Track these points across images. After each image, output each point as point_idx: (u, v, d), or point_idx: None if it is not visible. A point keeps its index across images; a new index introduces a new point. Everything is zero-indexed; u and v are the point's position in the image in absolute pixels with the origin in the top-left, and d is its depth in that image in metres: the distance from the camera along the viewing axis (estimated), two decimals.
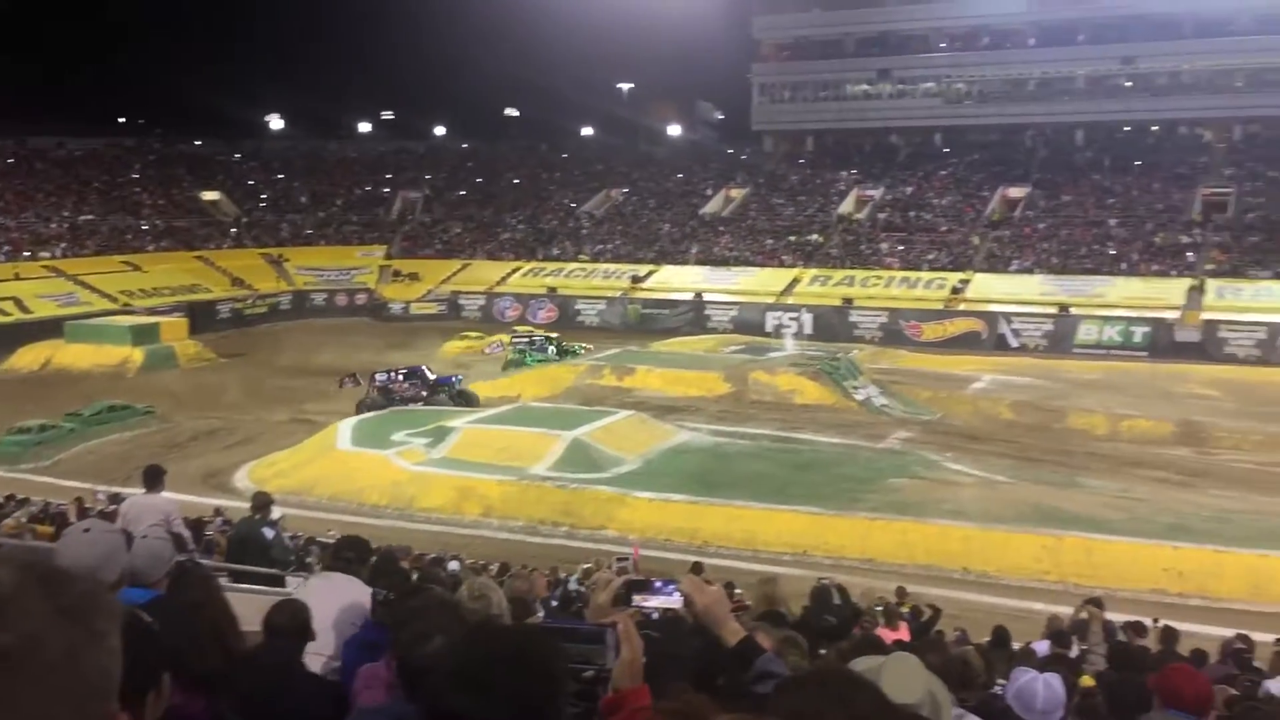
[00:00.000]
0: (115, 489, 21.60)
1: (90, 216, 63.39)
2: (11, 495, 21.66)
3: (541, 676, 1.99)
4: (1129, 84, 62.84)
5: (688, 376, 36.72)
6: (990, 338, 49.12)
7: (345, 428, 30.20)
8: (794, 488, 24.53)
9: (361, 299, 62.78)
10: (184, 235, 65.22)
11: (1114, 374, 41.56)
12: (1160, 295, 48.66)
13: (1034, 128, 66.10)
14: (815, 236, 60.15)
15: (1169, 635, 11.53)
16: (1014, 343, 48.67)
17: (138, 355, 44.72)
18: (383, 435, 29.31)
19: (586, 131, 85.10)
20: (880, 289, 53.76)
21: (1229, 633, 13.11)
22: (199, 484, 26.77)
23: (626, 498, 24.42)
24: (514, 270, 62.27)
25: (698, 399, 34.76)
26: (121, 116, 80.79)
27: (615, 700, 2.71)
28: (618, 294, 58.17)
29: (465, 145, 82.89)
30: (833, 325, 51.54)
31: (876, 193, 63.93)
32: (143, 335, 46.35)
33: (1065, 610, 13.92)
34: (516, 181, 74.42)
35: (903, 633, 10.88)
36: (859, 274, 55.34)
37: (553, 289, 59.53)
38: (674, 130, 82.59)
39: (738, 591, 13.33)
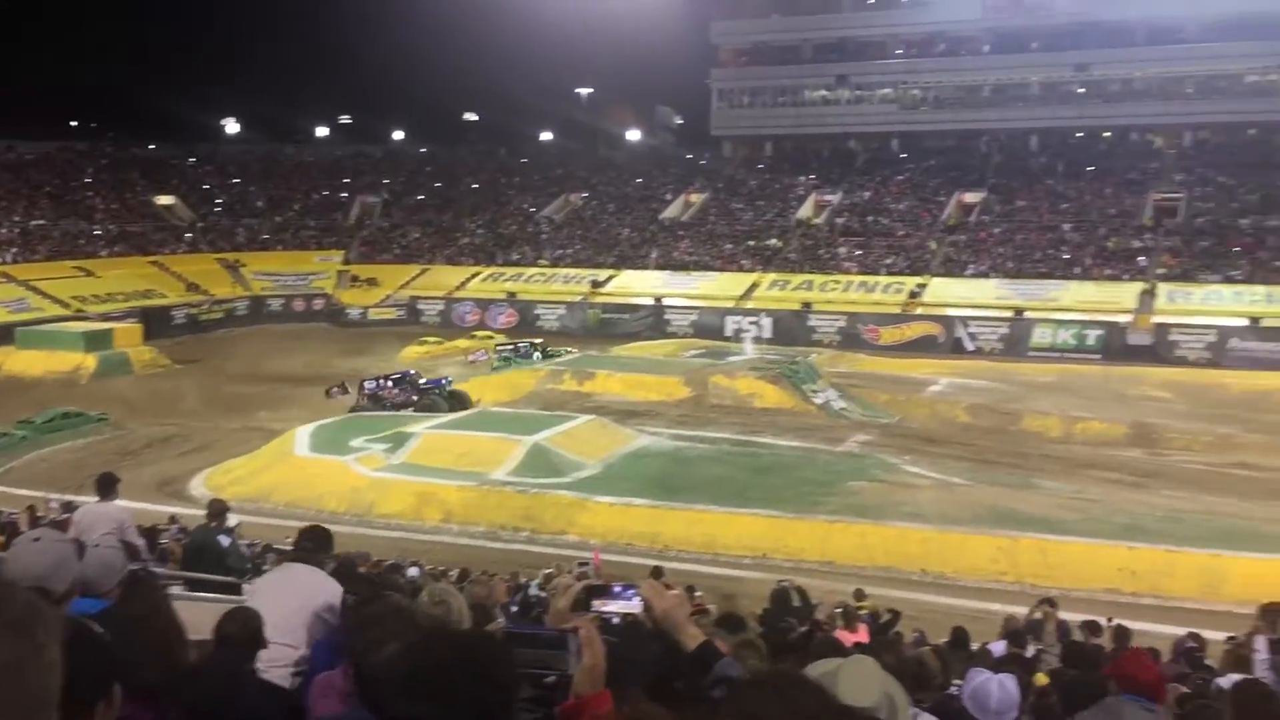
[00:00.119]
0: (68, 497, 21.19)
1: (42, 221, 62.17)
2: None
3: (493, 682, 1.99)
4: (1082, 90, 63.91)
5: (648, 381, 36.73)
6: (947, 341, 49.56)
7: (303, 434, 29.86)
8: (754, 491, 24.54)
9: (319, 304, 62.09)
10: (138, 240, 64.18)
11: (1068, 377, 42.01)
12: (1113, 299, 49.34)
13: (989, 133, 66.94)
14: (774, 241, 60.39)
15: (1122, 634, 11.71)
16: (970, 346, 49.15)
17: (91, 362, 43.93)
18: (341, 441, 29.01)
19: (546, 136, 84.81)
20: (839, 293, 54.06)
21: (1181, 631, 13.30)
22: (154, 492, 26.35)
23: (587, 502, 24.34)
24: (473, 275, 61.91)
25: (658, 403, 34.77)
26: (74, 119, 79.73)
27: (576, 706, 2.71)
28: (578, 299, 58.05)
29: (424, 149, 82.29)
30: (792, 329, 51.81)
31: (834, 198, 64.30)
32: (96, 341, 45.53)
33: (1021, 610, 14.11)
34: (475, 186, 73.98)
35: (862, 635, 10.94)
36: (818, 278, 55.63)
37: (512, 294, 59.30)
38: (633, 135, 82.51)
39: (698, 594, 13.34)
